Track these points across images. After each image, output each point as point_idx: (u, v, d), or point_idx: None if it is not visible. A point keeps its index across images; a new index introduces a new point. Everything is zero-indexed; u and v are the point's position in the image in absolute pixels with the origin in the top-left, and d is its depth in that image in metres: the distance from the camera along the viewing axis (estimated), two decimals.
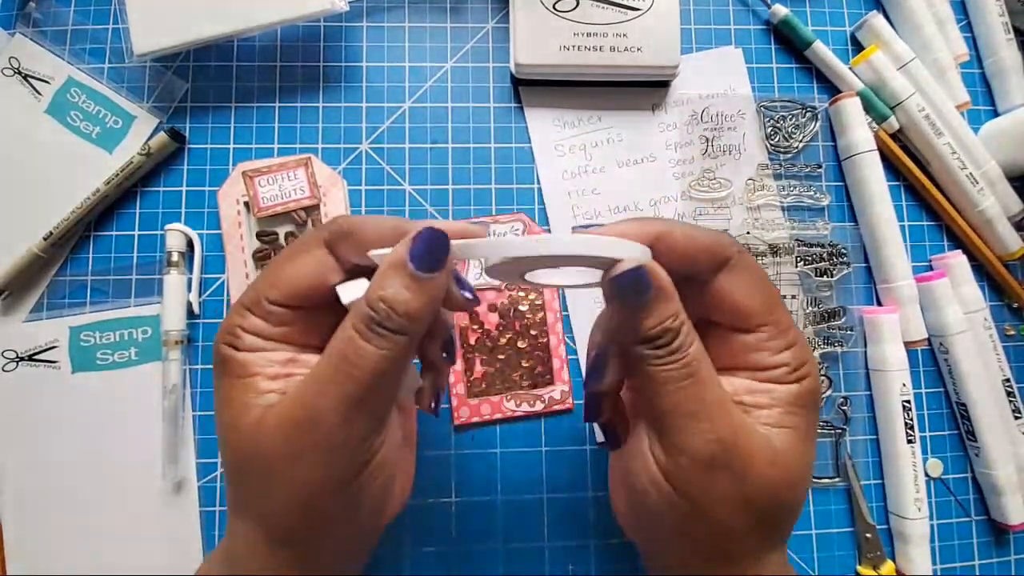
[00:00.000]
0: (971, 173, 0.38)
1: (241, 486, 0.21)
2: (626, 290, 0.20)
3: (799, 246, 0.38)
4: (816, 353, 0.37)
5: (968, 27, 0.42)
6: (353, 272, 0.23)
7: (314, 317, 0.23)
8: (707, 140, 0.39)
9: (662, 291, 0.20)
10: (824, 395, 0.37)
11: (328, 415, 0.19)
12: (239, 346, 0.21)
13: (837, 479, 0.37)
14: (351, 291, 0.22)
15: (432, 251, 0.20)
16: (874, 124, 0.39)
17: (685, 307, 0.21)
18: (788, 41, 0.40)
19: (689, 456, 0.20)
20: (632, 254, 0.20)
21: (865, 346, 0.38)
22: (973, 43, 0.41)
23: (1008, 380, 0.38)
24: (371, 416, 0.20)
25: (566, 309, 0.37)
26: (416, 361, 0.25)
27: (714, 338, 0.23)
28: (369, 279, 0.21)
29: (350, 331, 0.19)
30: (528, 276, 0.24)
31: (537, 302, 0.36)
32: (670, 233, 0.22)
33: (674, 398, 0.20)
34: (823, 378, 0.37)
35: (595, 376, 0.23)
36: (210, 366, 0.35)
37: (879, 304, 0.38)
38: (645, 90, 0.39)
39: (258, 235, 0.36)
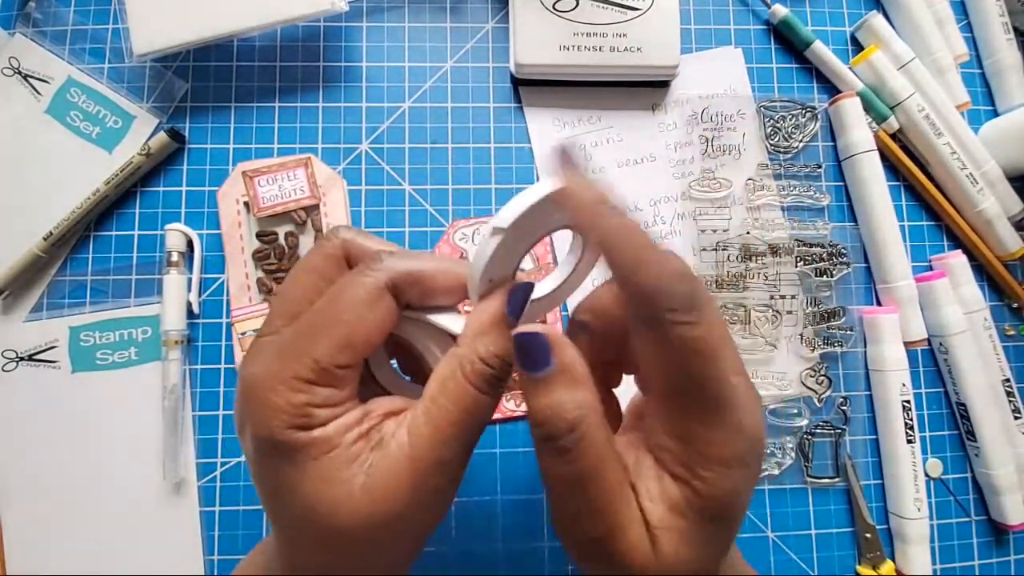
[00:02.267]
0: (971, 173, 0.38)
1: (337, 557, 0.19)
2: (523, 354, 0.18)
3: (799, 246, 0.38)
4: (816, 353, 0.37)
5: (968, 27, 0.42)
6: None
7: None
8: (707, 140, 0.39)
9: (565, 371, 0.18)
10: (824, 395, 0.37)
11: (454, 462, 0.19)
12: (314, 424, 0.18)
13: (837, 479, 0.37)
14: (448, 323, 0.21)
15: (522, 304, 0.20)
16: (874, 124, 0.39)
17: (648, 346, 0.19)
18: (788, 41, 0.40)
19: (572, 549, 0.19)
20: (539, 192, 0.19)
21: (865, 346, 0.38)
22: (973, 43, 0.41)
23: (1008, 380, 0.38)
24: (470, 454, 0.20)
25: (566, 309, 0.37)
26: None
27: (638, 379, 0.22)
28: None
29: (466, 386, 0.19)
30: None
31: None
32: (618, 248, 0.18)
33: (559, 499, 0.19)
34: (823, 378, 0.37)
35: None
36: (210, 366, 0.35)
37: (879, 304, 0.38)
38: (645, 90, 0.39)
39: (258, 235, 0.36)
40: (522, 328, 0.19)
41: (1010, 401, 0.37)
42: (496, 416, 0.35)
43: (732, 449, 0.17)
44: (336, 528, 0.18)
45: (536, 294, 0.22)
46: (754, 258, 0.38)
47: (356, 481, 0.18)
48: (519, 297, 0.20)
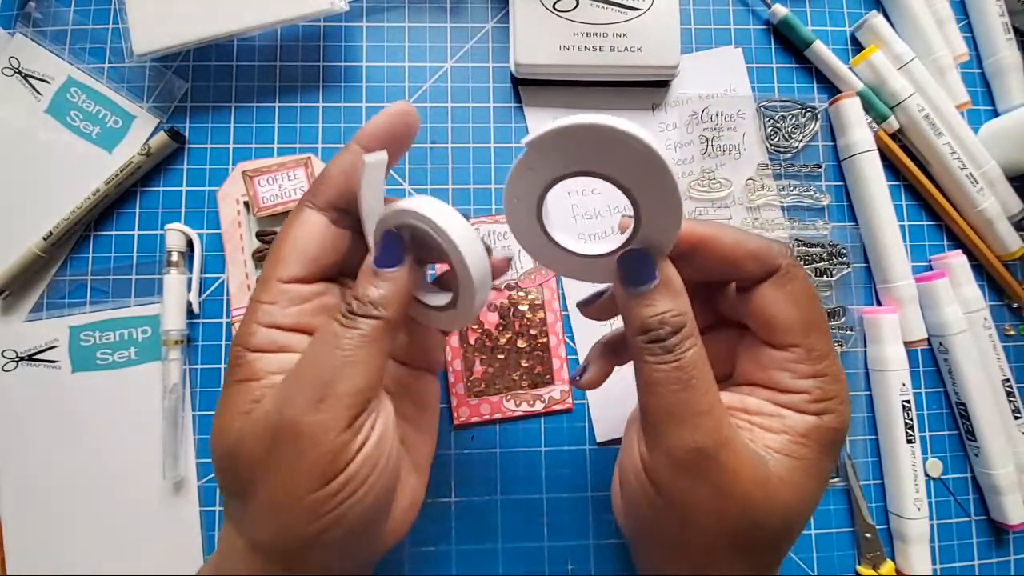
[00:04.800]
0: (971, 173, 0.38)
1: (226, 495, 0.21)
2: (629, 273, 0.20)
3: (799, 246, 0.38)
4: None
5: (968, 27, 0.42)
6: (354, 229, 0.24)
7: (327, 300, 0.23)
8: (707, 140, 0.39)
9: (667, 284, 0.20)
10: None
11: (308, 401, 0.19)
12: (251, 346, 0.21)
13: (837, 479, 0.37)
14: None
15: (389, 252, 0.22)
16: (874, 124, 0.39)
17: (721, 309, 0.21)
18: (788, 41, 0.40)
19: (667, 458, 0.20)
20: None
21: (865, 346, 0.38)
22: (973, 43, 0.41)
23: (1008, 380, 0.38)
24: (346, 408, 0.19)
25: (566, 309, 0.37)
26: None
27: (745, 345, 0.23)
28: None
29: (331, 322, 0.21)
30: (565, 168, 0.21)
31: (537, 301, 0.36)
32: (717, 237, 0.21)
33: (662, 400, 0.20)
34: None
35: (578, 373, 0.26)
36: (210, 366, 0.35)
37: (879, 304, 0.38)
38: (645, 90, 0.39)
39: (258, 235, 0.36)
40: (627, 249, 0.21)
41: (1010, 401, 0.37)
42: (496, 416, 0.35)
43: (846, 384, 0.21)
44: (220, 456, 0.20)
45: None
46: None
47: (250, 405, 0.20)
48: (380, 253, 0.22)
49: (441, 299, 0.24)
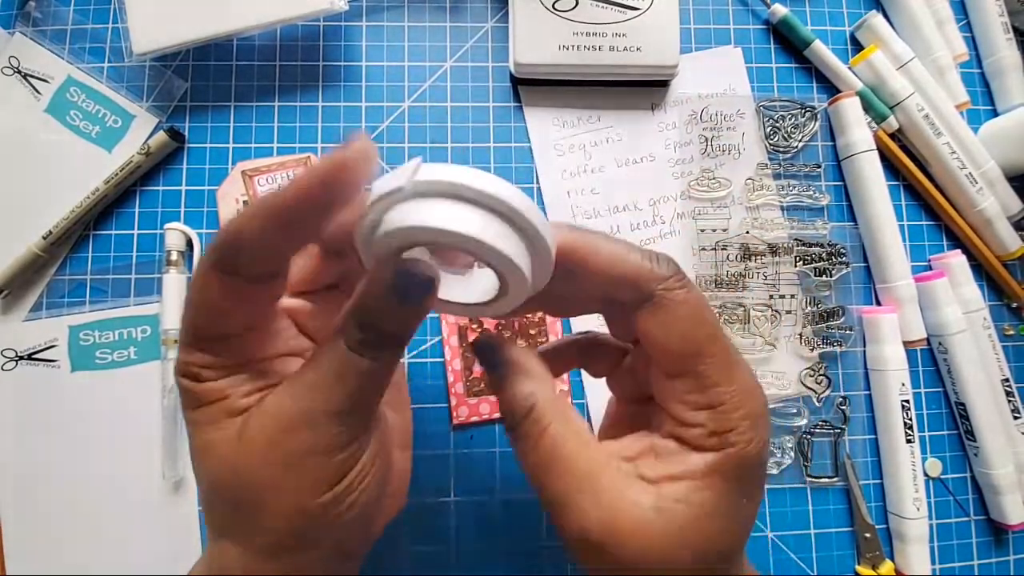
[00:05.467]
0: (971, 173, 0.38)
1: (226, 506, 0.20)
2: (481, 359, 0.20)
3: (798, 246, 0.38)
4: (815, 353, 0.37)
5: (968, 27, 0.42)
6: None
7: (263, 332, 0.21)
8: (706, 140, 0.39)
9: (514, 369, 0.20)
10: (823, 395, 0.37)
11: (320, 416, 0.19)
12: (200, 378, 0.20)
13: (836, 479, 0.37)
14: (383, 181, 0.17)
15: (416, 286, 0.19)
16: (873, 124, 0.39)
17: (618, 329, 0.20)
18: (788, 41, 0.40)
19: (567, 539, 0.19)
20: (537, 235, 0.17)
21: (864, 346, 0.38)
22: (973, 43, 0.41)
23: (1007, 380, 0.38)
24: (360, 419, 0.20)
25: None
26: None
27: (653, 370, 0.22)
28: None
29: (342, 346, 0.19)
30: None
31: None
32: (593, 253, 0.19)
33: (538, 486, 0.20)
34: (822, 378, 0.37)
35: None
36: None
37: (878, 304, 0.38)
38: (644, 90, 0.39)
39: None
40: (479, 333, 0.20)
41: (1009, 401, 0.37)
42: (495, 415, 0.35)
43: (754, 403, 0.19)
44: (212, 472, 0.20)
45: (456, 296, 0.20)
46: (753, 258, 0.38)
47: (233, 427, 0.19)
48: (416, 289, 0.18)
49: (475, 293, 0.21)
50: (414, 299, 0.19)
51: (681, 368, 0.19)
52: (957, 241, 0.40)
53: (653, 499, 0.18)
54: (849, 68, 0.40)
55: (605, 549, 0.18)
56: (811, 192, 0.39)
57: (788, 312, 0.38)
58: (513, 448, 0.20)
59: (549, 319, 0.36)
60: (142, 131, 0.37)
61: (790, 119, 0.39)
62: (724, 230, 0.38)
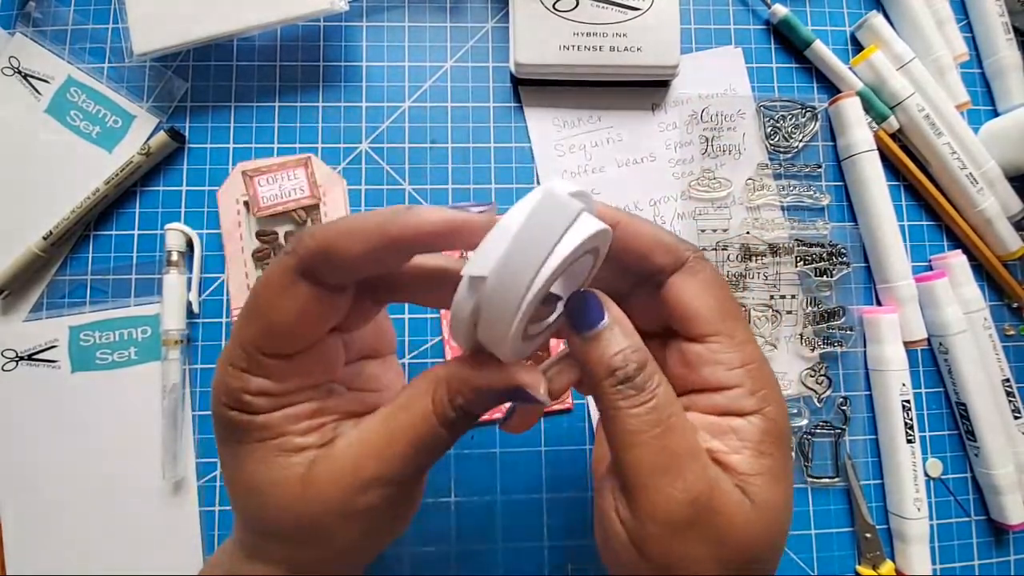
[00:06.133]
0: (971, 173, 0.38)
1: (275, 542, 0.20)
2: (579, 316, 0.19)
3: (799, 246, 0.38)
4: (816, 353, 0.37)
5: (968, 27, 0.42)
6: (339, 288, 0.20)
7: (320, 351, 0.20)
8: (707, 140, 0.39)
9: (620, 322, 0.20)
10: (824, 395, 0.37)
11: (396, 478, 0.19)
12: (251, 410, 0.19)
13: (837, 479, 0.36)
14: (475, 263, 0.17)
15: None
16: (874, 124, 0.39)
17: (639, 320, 0.20)
18: (788, 41, 0.40)
19: (659, 521, 0.18)
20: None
21: (865, 346, 0.38)
22: (973, 43, 0.41)
23: (1008, 380, 0.38)
24: (423, 478, 0.21)
25: None
26: None
27: (672, 350, 0.22)
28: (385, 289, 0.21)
29: (431, 417, 0.19)
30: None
31: None
32: (630, 224, 0.21)
33: (644, 451, 0.18)
34: (823, 378, 0.37)
35: (504, 418, 0.23)
36: (209, 366, 0.35)
37: (879, 304, 0.38)
38: (645, 90, 0.39)
39: (258, 235, 0.36)
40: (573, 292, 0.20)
41: (1010, 401, 0.37)
42: (496, 416, 0.35)
43: (772, 376, 0.21)
44: (269, 512, 0.19)
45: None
46: (754, 258, 0.38)
47: (295, 470, 0.19)
48: (517, 396, 0.19)
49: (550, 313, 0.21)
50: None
51: (716, 327, 0.20)
52: (957, 241, 0.40)
53: (731, 474, 0.19)
54: (849, 68, 0.40)
55: (713, 514, 0.18)
56: (812, 192, 0.39)
57: (789, 312, 0.38)
58: (614, 408, 0.18)
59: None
60: (142, 131, 0.37)
61: (790, 119, 0.39)
62: (725, 230, 0.38)
